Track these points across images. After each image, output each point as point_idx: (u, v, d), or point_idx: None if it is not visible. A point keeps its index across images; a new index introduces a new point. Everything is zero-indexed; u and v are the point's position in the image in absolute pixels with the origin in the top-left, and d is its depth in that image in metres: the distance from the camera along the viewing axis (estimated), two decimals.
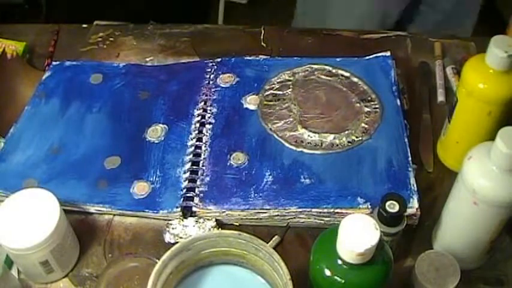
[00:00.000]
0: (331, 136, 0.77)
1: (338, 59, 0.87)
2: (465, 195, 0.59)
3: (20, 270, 0.68)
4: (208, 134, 0.79)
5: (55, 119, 0.82)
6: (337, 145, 0.76)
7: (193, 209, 0.71)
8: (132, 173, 0.75)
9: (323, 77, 0.85)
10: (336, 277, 0.52)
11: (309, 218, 0.70)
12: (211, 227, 0.70)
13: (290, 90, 0.83)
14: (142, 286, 0.63)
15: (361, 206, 0.69)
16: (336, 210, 0.69)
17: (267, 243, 0.62)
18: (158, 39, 0.95)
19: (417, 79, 0.87)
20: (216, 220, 0.71)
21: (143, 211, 0.72)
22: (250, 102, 0.82)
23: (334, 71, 0.85)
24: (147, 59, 0.92)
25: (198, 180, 0.74)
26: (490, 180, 0.57)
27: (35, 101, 0.84)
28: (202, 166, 0.75)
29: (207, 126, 0.80)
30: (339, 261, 0.52)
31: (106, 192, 0.73)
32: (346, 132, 0.77)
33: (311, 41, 0.93)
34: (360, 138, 0.77)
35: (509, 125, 0.56)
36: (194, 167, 0.75)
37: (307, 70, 0.86)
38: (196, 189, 0.73)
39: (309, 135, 0.77)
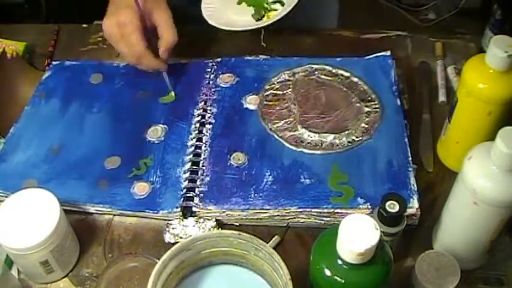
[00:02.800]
0: (331, 136, 0.77)
1: (338, 59, 0.87)
2: (465, 195, 0.59)
3: (20, 270, 0.68)
4: (208, 134, 0.79)
5: (55, 119, 0.82)
6: (337, 145, 0.76)
7: (193, 209, 0.71)
8: (132, 173, 0.75)
9: (323, 77, 0.85)
10: (336, 277, 0.52)
11: (309, 218, 0.70)
12: (211, 227, 0.70)
13: (290, 90, 0.83)
14: (142, 286, 0.63)
15: (361, 206, 0.69)
16: (336, 210, 0.69)
17: (267, 243, 0.62)
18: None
19: (417, 79, 0.87)
20: (216, 220, 0.71)
21: (143, 211, 0.72)
22: (250, 102, 0.82)
23: (334, 71, 0.85)
24: None
25: (198, 180, 0.74)
26: (490, 181, 0.57)
27: (35, 101, 0.84)
28: (202, 166, 0.75)
29: (207, 126, 0.80)
30: (339, 261, 0.52)
31: (106, 192, 0.73)
32: (346, 132, 0.77)
33: (311, 41, 0.93)
34: (360, 138, 0.77)
35: (509, 125, 0.56)
36: (194, 167, 0.75)
37: (307, 70, 0.86)
38: (196, 189, 0.73)
39: (309, 135, 0.77)
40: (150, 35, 0.80)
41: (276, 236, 0.70)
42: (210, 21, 0.87)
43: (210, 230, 0.70)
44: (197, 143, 0.78)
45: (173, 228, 0.70)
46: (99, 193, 0.73)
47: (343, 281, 0.52)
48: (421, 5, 2.09)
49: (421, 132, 0.80)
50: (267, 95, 0.83)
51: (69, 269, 0.68)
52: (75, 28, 0.98)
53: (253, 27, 0.87)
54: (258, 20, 0.88)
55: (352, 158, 0.74)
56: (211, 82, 0.85)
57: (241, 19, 0.89)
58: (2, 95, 0.85)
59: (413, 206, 0.69)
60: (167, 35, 0.80)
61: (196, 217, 0.71)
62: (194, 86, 0.85)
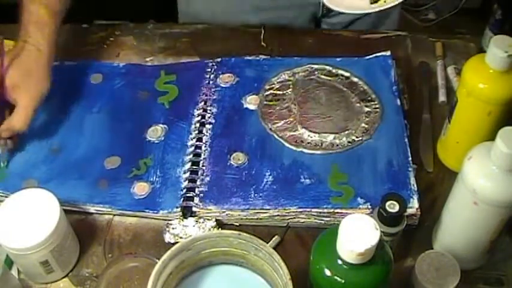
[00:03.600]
0: (331, 136, 0.77)
1: (338, 59, 0.87)
2: (465, 195, 0.59)
3: (20, 270, 0.68)
4: (208, 134, 0.78)
5: (55, 119, 0.82)
6: (337, 145, 0.76)
7: (193, 209, 0.71)
8: (132, 173, 0.75)
9: (323, 77, 0.85)
10: (336, 277, 0.52)
11: (309, 218, 0.70)
12: (211, 227, 0.70)
13: (290, 90, 0.83)
14: (142, 286, 0.63)
15: (361, 206, 0.69)
16: (336, 210, 0.69)
17: (267, 243, 0.62)
18: (158, 39, 0.95)
19: (417, 79, 0.87)
20: (216, 220, 0.71)
21: (143, 211, 0.72)
22: (250, 102, 0.82)
23: (334, 71, 0.85)
24: (147, 59, 0.91)
25: (198, 180, 0.74)
26: (491, 181, 0.57)
27: None
28: (202, 166, 0.75)
29: (207, 126, 0.80)
30: (339, 261, 0.52)
31: (106, 192, 0.73)
32: (346, 132, 0.77)
33: (311, 41, 0.93)
34: (360, 138, 0.77)
35: (509, 125, 0.56)
36: (194, 167, 0.75)
37: (307, 70, 0.86)
38: (196, 189, 0.73)
39: (309, 135, 0.77)
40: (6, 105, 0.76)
41: (276, 236, 0.70)
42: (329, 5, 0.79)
43: (210, 230, 0.70)
44: (197, 143, 0.78)
45: (173, 228, 0.70)
46: (99, 193, 0.73)
47: (343, 281, 0.52)
48: (421, 5, 2.09)
49: (421, 132, 0.80)
50: (267, 95, 0.83)
51: (69, 269, 0.68)
52: (75, 28, 0.98)
53: (369, 11, 0.80)
54: (372, 3, 0.83)
55: (352, 158, 0.75)
56: (211, 82, 0.85)
57: (357, 1, 0.81)
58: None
59: (413, 206, 0.69)
60: (17, 120, 0.74)
61: (196, 217, 0.71)
62: (194, 86, 0.85)
